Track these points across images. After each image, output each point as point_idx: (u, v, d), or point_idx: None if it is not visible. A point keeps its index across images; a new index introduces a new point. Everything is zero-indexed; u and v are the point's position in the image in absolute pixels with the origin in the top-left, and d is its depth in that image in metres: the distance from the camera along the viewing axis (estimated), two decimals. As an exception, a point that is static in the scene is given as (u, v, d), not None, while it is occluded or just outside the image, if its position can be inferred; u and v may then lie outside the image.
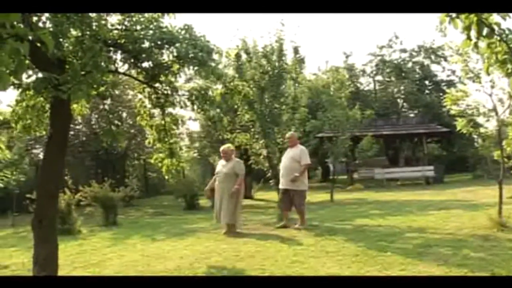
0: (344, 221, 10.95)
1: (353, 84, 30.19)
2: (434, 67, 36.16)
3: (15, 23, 2.10)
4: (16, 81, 5.82)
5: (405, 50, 36.35)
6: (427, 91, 35.32)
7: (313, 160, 26.71)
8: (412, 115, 34.02)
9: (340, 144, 17.66)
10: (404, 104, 36.37)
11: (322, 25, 73.72)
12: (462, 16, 4.13)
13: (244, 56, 12.60)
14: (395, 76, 36.19)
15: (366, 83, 37.69)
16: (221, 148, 10.30)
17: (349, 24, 75.04)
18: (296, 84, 13.12)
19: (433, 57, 35.86)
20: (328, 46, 65.18)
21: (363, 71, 37.22)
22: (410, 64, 36.07)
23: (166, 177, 8.59)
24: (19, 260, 8.37)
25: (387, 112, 31.67)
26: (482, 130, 9.60)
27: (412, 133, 27.93)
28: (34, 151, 22.12)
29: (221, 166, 10.15)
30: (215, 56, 6.83)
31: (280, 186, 10.30)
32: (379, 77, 37.68)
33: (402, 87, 35.45)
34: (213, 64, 6.67)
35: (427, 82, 35.75)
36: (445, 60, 34.24)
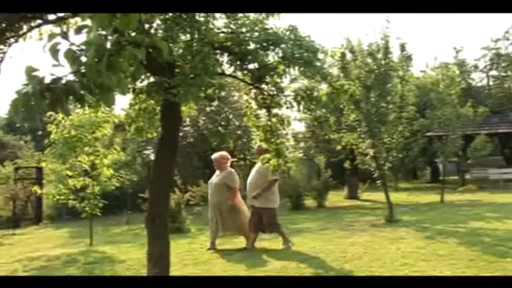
0: (457, 224, 10.48)
1: (464, 81, 28.78)
2: (559, 59, 33.50)
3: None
4: (130, 86, 6.08)
5: (524, 41, 34.00)
6: (551, 85, 32.84)
7: (421, 159, 26.09)
8: (532, 111, 31.77)
9: (451, 143, 16.93)
10: (523, 100, 34.08)
11: (430, 20, 71.24)
12: None
13: (349, 55, 12.42)
14: (512, 70, 34.02)
15: (478, 79, 35.68)
16: (212, 157, 9.78)
17: (460, 18, 71.96)
18: (403, 82, 12.72)
19: (559, 47, 33.22)
20: (437, 42, 62.88)
21: (476, 66, 35.26)
22: (530, 57, 33.73)
23: (273, 177, 8.66)
24: (134, 256, 8.78)
25: (503, 109, 29.75)
26: None
27: (533, 131, 26.06)
28: (146, 152, 23.07)
29: (214, 176, 9.62)
30: (321, 56, 6.78)
31: (248, 203, 9.56)
32: (493, 72, 35.52)
33: (520, 82, 33.24)
34: (318, 64, 6.61)
35: (550, 76, 33.23)
36: None
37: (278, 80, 6.95)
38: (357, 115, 11.82)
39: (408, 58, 12.90)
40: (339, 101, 7.91)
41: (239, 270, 7.32)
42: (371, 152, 12.12)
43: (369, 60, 12.13)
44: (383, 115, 12.02)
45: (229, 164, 9.70)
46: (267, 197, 9.15)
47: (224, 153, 9.89)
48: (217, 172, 9.59)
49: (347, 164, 19.44)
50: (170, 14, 5.80)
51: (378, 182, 12.90)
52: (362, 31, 23.05)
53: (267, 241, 9.69)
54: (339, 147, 10.91)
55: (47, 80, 2.04)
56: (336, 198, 19.53)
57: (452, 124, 16.71)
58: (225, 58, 6.67)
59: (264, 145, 9.40)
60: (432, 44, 64.30)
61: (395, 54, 12.64)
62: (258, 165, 9.44)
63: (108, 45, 2.01)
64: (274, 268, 7.25)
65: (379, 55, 12.11)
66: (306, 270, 6.96)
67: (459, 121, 16.93)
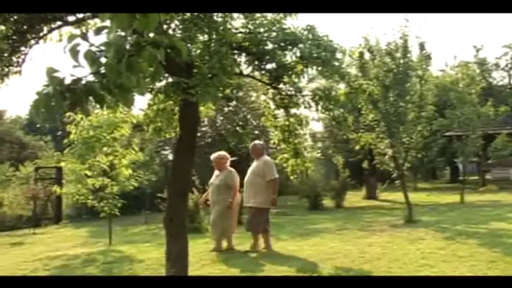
0: (477, 224, 10.34)
1: (484, 79, 28.38)
2: None
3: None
4: (149, 86, 6.12)
5: (547, 39, 33.35)
6: None
7: (441, 159, 25.82)
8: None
9: (471, 143, 16.74)
10: (546, 99, 33.39)
11: (450, 19, 70.63)
12: None
13: (367, 55, 12.35)
14: (535, 68, 33.36)
15: (499, 78, 35.09)
16: (211, 157, 9.55)
17: (480, 16, 71.25)
18: (422, 81, 12.61)
19: None
20: (457, 40, 62.27)
21: (497, 65, 34.61)
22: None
23: (291, 177, 8.62)
24: (152, 256, 8.81)
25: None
26: None
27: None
28: (164, 152, 23.14)
29: (214, 177, 9.40)
30: (339, 55, 6.75)
31: (244, 203, 9.34)
32: (515, 70, 34.96)
33: (543, 81, 32.59)
34: (337, 64, 6.59)
35: None
36: None
37: (296, 80, 6.95)
38: (375, 115, 11.74)
39: (427, 57, 12.78)
40: (357, 100, 7.89)
41: (257, 270, 7.31)
42: (389, 152, 12.04)
43: (387, 59, 12.05)
44: (402, 114, 11.93)
45: (228, 163, 9.51)
46: (262, 197, 8.87)
47: (222, 152, 9.73)
48: (217, 172, 9.41)
49: (365, 164, 19.35)
50: (188, 14, 5.82)
51: (396, 182, 12.81)
52: (381, 31, 22.87)
53: (285, 241, 9.70)
54: (357, 147, 10.82)
55: (68, 81, 2.06)
56: (354, 198, 19.43)
57: (472, 124, 16.53)
58: (242, 58, 6.70)
59: (258, 144, 9.30)
60: (452, 43, 63.77)
61: (414, 53, 12.54)
62: (254, 164, 9.27)
63: (128, 45, 2.02)
64: (292, 267, 7.23)
65: (398, 55, 12.02)
66: (324, 271, 6.94)
67: (480, 120, 16.75)
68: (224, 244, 9.24)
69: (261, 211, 8.90)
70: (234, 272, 7.32)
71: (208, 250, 9.07)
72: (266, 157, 9.20)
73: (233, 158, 10.00)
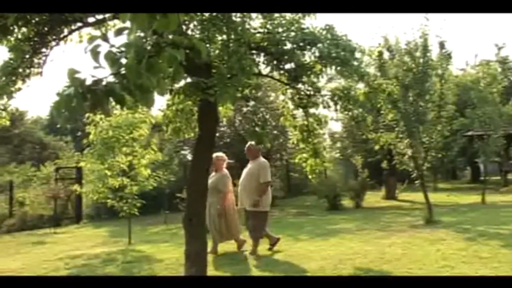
0: (499, 225, 10.19)
1: (506, 78, 27.99)
2: None
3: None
4: (168, 86, 6.15)
5: None
6: None
7: (461, 159, 25.51)
8: None
9: (492, 143, 16.53)
10: None
11: (471, 17, 69.91)
12: None
13: (386, 54, 12.28)
14: (559, 66, 32.77)
15: (522, 76, 34.59)
16: None
17: (501, 14, 70.39)
18: (442, 81, 12.49)
19: None
20: (478, 39, 61.60)
21: (519, 63, 34.21)
22: None
23: (310, 177, 8.58)
24: (172, 255, 8.86)
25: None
26: None
27: None
28: (183, 152, 23.23)
29: (209, 177, 9.12)
30: (358, 55, 6.72)
31: (239, 206, 9.30)
32: (538, 69, 34.39)
33: None
34: (355, 63, 6.56)
35: None
36: None
37: (315, 79, 6.93)
38: (394, 115, 11.65)
39: (448, 56, 12.65)
40: (377, 100, 7.84)
41: (274, 270, 7.31)
42: (409, 152, 11.95)
43: (407, 58, 11.96)
44: (422, 114, 11.84)
45: (225, 165, 9.44)
46: (260, 200, 8.74)
47: (220, 154, 9.63)
48: (213, 173, 9.28)
49: (384, 164, 19.21)
50: (207, 14, 5.83)
51: (416, 182, 12.70)
52: (400, 30, 22.70)
53: (304, 241, 9.67)
54: (376, 147, 10.74)
55: (88, 82, 2.07)
56: (373, 198, 19.31)
57: (493, 123, 16.33)
58: (261, 58, 6.69)
59: (254, 145, 9.00)
60: (473, 42, 63.08)
61: (434, 52, 12.43)
62: (248, 166, 9.18)
63: (148, 46, 2.03)
64: (311, 268, 7.21)
65: (418, 54, 11.92)
66: (344, 271, 6.91)
67: (501, 120, 16.53)
68: (219, 248, 9.20)
69: (260, 214, 8.82)
70: (252, 272, 7.33)
71: (230, 250, 9.11)
72: (262, 159, 9.13)
73: (230, 161, 9.88)
